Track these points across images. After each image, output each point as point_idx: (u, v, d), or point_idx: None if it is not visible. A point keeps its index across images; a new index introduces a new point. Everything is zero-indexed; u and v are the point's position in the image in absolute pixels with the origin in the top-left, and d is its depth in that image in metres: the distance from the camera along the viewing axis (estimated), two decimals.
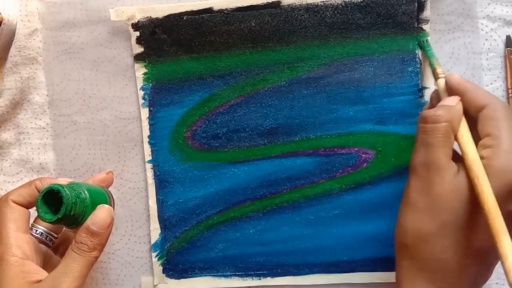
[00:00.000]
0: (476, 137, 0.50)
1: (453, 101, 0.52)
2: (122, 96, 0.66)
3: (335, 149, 0.63)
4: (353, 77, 0.63)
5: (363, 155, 0.63)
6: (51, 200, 0.52)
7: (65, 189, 0.51)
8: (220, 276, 0.64)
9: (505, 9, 0.63)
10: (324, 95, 0.63)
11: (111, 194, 0.60)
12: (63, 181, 0.56)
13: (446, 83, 0.54)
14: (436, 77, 0.57)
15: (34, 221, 0.57)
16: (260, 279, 0.64)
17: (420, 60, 0.62)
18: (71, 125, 0.66)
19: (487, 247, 0.48)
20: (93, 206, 0.54)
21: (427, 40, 0.61)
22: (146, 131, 0.65)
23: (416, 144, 0.52)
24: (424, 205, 0.50)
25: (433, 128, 0.50)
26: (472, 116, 0.51)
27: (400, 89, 0.62)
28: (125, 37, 0.66)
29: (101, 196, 0.58)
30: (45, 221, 0.52)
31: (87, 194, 0.54)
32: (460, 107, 0.51)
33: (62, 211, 0.50)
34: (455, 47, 0.63)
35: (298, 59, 0.63)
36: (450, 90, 0.54)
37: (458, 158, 0.51)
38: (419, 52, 0.62)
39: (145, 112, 0.65)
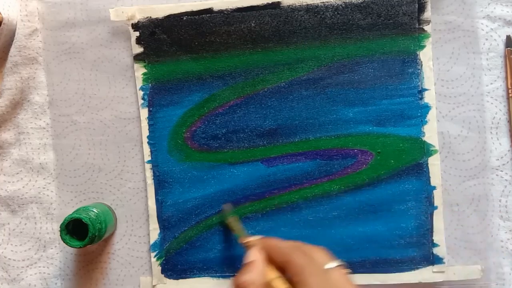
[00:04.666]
0: None
1: (252, 256, 0.52)
2: (122, 96, 0.66)
3: (335, 151, 0.63)
4: (353, 78, 0.63)
5: (363, 157, 0.63)
6: (69, 226, 0.60)
7: (84, 215, 0.59)
8: (218, 276, 0.64)
9: (505, 9, 0.63)
10: (323, 96, 0.63)
11: (110, 206, 0.66)
12: None
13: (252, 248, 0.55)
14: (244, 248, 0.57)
15: None
16: None
17: (421, 62, 0.62)
18: (71, 125, 0.66)
19: None
20: (105, 223, 0.61)
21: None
22: (145, 131, 0.65)
23: None
24: None
25: None
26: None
27: (400, 91, 0.62)
28: (125, 37, 0.66)
29: (106, 211, 0.63)
30: (72, 247, 0.60)
31: (98, 213, 0.61)
32: (259, 262, 0.52)
33: (88, 236, 0.59)
34: (455, 47, 0.63)
35: (298, 60, 0.63)
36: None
37: None
38: (420, 54, 0.62)
39: (144, 112, 0.65)
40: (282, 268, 0.51)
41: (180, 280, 0.65)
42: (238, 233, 0.60)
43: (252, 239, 0.56)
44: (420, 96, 0.62)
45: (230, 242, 0.64)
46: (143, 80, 0.65)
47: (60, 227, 0.59)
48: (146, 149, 0.65)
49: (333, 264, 0.49)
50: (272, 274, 0.51)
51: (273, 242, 0.53)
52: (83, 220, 0.58)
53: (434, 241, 0.62)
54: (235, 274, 0.63)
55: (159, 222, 0.65)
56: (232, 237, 0.64)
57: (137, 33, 0.65)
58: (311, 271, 0.48)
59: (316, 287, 0.47)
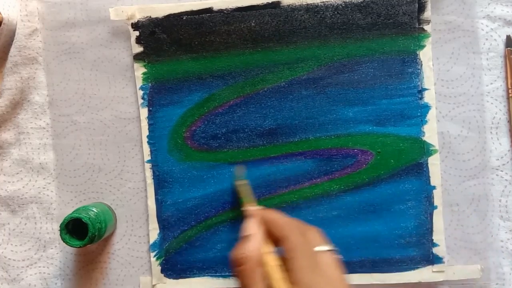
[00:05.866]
0: None
1: (250, 229, 0.52)
2: (122, 96, 0.66)
3: (334, 150, 0.63)
4: (353, 78, 0.63)
5: (362, 156, 0.63)
6: (69, 226, 0.60)
7: (83, 215, 0.59)
8: (218, 276, 0.64)
9: (505, 9, 0.63)
10: (323, 96, 0.63)
11: (110, 206, 0.66)
12: None
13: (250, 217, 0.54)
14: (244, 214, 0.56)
15: None
16: None
17: (421, 61, 0.62)
18: (71, 125, 0.66)
19: None
20: (105, 223, 0.61)
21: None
22: (145, 131, 0.65)
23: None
24: None
25: (241, 271, 0.49)
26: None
27: (400, 91, 0.62)
28: (125, 37, 0.66)
29: (106, 211, 0.63)
30: (72, 247, 0.60)
31: (98, 212, 0.61)
32: (257, 235, 0.51)
33: (88, 236, 0.59)
34: (455, 47, 0.63)
35: (298, 60, 0.63)
36: None
37: None
38: (420, 53, 0.62)
39: (144, 112, 0.65)
40: (277, 241, 0.51)
41: (180, 280, 0.65)
42: (244, 198, 0.59)
43: (252, 208, 0.55)
44: (420, 96, 0.62)
45: (231, 240, 0.64)
46: (143, 80, 0.65)
47: (60, 226, 0.59)
48: (146, 149, 0.65)
49: (324, 247, 0.49)
50: (266, 248, 0.50)
51: (272, 216, 0.53)
52: (83, 220, 0.58)
53: (434, 241, 0.62)
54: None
55: (159, 222, 0.65)
56: (235, 235, 0.64)
57: (137, 33, 0.65)
58: (303, 251, 0.48)
59: (305, 268, 0.47)
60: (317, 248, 0.49)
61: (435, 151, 0.62)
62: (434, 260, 0.62)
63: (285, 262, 0.49)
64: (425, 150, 0.62)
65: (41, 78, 0.66)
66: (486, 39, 0.63)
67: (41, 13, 0.66)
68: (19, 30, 0.65)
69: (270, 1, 0.63)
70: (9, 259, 0.66)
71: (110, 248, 0.66)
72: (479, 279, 0.62)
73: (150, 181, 0.65)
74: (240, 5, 0.63)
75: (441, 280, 0.62)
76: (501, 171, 0.63)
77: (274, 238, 0.51)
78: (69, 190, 0.66)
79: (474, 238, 0.63)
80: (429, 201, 0.62)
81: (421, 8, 0.62)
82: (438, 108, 0.63)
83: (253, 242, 0.51)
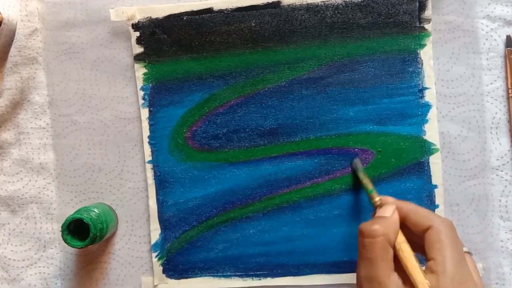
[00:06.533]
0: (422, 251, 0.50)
1: (389, 212, 0.52)
2: (122, 96, 0.66)
3: (335, 150, 0.63)
4: (354, 77, 0.63)
5: (363, 156, 0.63)
6: (70, 227, 0.60)
7: (85, 216, 0.59)
8: (220, 276, 0.64)
9: (505, 9, 0.63)
10: (324, 96, 0.63)
11: (111, 206, 0.65)
12: None
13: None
14: (374, 206, 0.56)
15: None
16: (260, 279, 0.64)
17: (421, 60, 0.62)
18: (71, 125, 0.66)
19: None
20: (106, 224, 0.61)
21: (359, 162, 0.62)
22: (146, 131, 0.65)
23: (358, 258, 0.51)
24: None
25: (370, 243, 0.49)
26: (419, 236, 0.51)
27: (401, 90, 0.62)
28: (125, 37, 0.66)
29: (107, 211, 0.63)
30: (73, 247, 0.59)
31: (99, 213, 0.61)
32: (395, 218, 0.51)
33: (90, 237, 0.59)
34: (455, 47, 0.63)
35: (298, 59, 0.63)
36: None
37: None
38: (420, 52, 0.62)
39: (145, 112, 0.65)
40: (417, 231, 0.50)
41: (182, 280, 0.65)
42: (371, 188, 0.58)
43: (387, 197, 0.55)
44: (420, 95, 0.62)
45: (233, 240, 0.64)
46: (144, 80, 0.65)
47: (61, 227, 0.59)
48: (147, 149, 0.65)
49: (466, 248, 0.49)
50: (402, 238, 0.50)
51: (413, 206, 0.52)
52: (84, 221, 0.58)
53: None
54: (236, 274, 0.64)
55: (160, 222, 0.65)
56: (236, 236, 0.64)
57: (137, 33, 0.65)
58: (453, 244, 0.48)
59: (454, 260, 0.47)
60: (464, 249, 0.49)
61: (436, 150, 0.62)
62: None
63: (429, 252, 0.48)
64: (426, 149, 0.62)
65: (41, 78, 0.66)
66: (486, 39, 0.63)
67: (41, 13, 0.66)
68: (19, 30, 0.65)
69: (270, 1, 0.63)
70: (9, 259, 0.66)
71: (111, 248, 0.66)
72: None
73: (151, 181, 0.65)
74: (240, 5, 0.63)
75: None
76: (501, 171, 0.63)
77: (414, 229, 0.51)
78: (69, 190, 0.66)
79: (474, 238, 0.63)
80: (431, 200, 0.62)
81: (422, 7, 0.62)
82: (438, 108, 0.63)
83: (390, 223, 0.50)
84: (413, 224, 0.51)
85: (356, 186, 0.63)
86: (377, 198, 0.55)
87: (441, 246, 0.48)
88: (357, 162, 0.62)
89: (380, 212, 0.52)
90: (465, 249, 0.50)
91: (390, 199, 0.54)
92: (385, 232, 0.49)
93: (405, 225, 0.52)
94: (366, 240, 0.49)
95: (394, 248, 0.50)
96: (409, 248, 0.50)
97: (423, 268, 0.48)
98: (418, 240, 0.51)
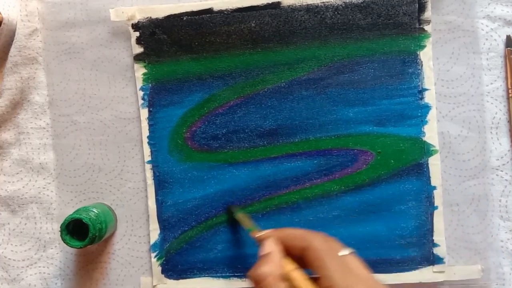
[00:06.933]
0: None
1: (268, 247, 0.51)
2: (122, 96, 0.66)
3: (335, 151, 0.63)
4: (353, 78, 0.63)
5: (363, 157, 0.63)
6: (70, 227, 0.60)
7: (84, 216, 0.59)
8: (219, 277, 0.64)
9: (505, 9, 0.63)
10: (324, 96, 0.63)
11: (110, 206, 0.66)
12: None
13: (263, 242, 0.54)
14: (257, 242, 0.55)
15: None
16: None
17: (421, 62, 0.62)
18: (71, 125, 0.66)
19: None
20: (106, 224, 0.61)
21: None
22: (145, 132, 0.65)
23: None
24: None
25: (263, 287, 0.48)
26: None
27: (400, 91, 0.62)
28: (125, 37, 0.66)
29: (106, 211, 0.63)
30: (73, 247, 0.59)
31: (98, 213, 0.61)
32: (276, 251, 0.51)
33: (89, 237, 0.59)
34: (455, 47, 0.63)
35: (298, 60, 0.63)
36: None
37: None
38: (420, 54, 0.62)
39: (144, 113, 0.65)
40: (298, 259, 0.50)
41: (181, 280, 0.65)
42: (249, 227, 0.58)
43: (265, 231, 0.55)
44: (420, 96, 0.62)
45: (232, 241, 0.64)
46: (143, 80, 0.65)
47: (60, 227, 0.59)
48: (146, 149, 0.65)
49: (346, 251, 0.49)
50: (290, 266, 0.50)
51: (288, 231, 0.53)
52: (83, 220, 0.58)
53: (435, 241, 0.62)
54: (235, 274, 0.64)
55: (159, 222, 0.65)
56: (235, 237, 0.64)
57: (137, 33, 0.65)
58: (331, 256, 0.48)
59: (337, 271, 0.47)
60: (340, 253, 0.49)
61: (436, 151, 0.62)
62: (435, 260, 0.62)
63: (313, 272, 0.48)
64: (426, 150, 0.62)
65: (41, 78, 0.66)
66: (486, 39, 0.63)
67: (41, 13, 0.66)
68: (19, 30, 0.65)
69: (270, 2, 0.63)
70: (9, 259, 0.66)
71: (110, 248, 0.66)
72: (480, 279, 0.62)
73: (150, 181, 0.65)
74: (240, 5, 0.63)
75: (442, 280, 0.62)
76: (501, 171, 0.63)
77: (294, 255, 0.51)
78: (69, 190, 0.66)
79: (474, 238, 0.63)
80: (430, 202, 0.62)
81: (421, 8, 0.62)
82: (438, 108, 0.63)
83: (273, 258, 0.50)
84: (292, 249, 0.51)
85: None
86: (256, 235, 0.55)
87: (321, 263, 0.48)
88: (233, 207, 0.63)
89: (261, 251, 0.52)
90: (345, 251, 0.50)
91: (268, 232, 0.54)
92: (271, 270, 0.49)
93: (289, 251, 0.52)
94: (258, 286, 0.49)
95: (287, 279, 0.49)
96: (300, 273, 0.49)
97: None
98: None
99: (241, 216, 0.61)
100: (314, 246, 0.49)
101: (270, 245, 0.52)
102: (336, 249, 0.49)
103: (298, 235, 0.52)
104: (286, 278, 0.49)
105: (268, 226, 0.63)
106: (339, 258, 0.48)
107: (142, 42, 0.65)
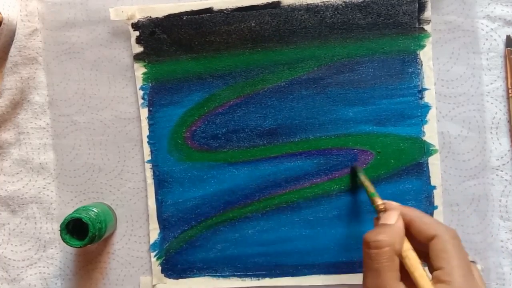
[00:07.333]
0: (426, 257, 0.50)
1: (393, 219, 0.51)
2: (122, 96, 0.66)
3: (335, 150, 0.63)
4: (353, 78, 0.63)
5: (363, 156, 0.63)
6: (69, 226, 0.60)
7: (84, 215, 0.59)
8: (219, 276, 0.64)
9: (505, 9, 0.63)
10: (323, 96, 0.63)
11: (110, 206, 0.66)
12: None
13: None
14: (377, 210, 0.54)
15: None
16: (259, 279, 0.64)
17: (421, 61, 0.62)
18: (71, 125, 0.66)
19: None
20: (105, 223, 0.61)
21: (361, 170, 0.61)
22: (145, 131, 0.65)
23: (364, 269, 0.50)
24: None
25: (376, 254, 0.48)
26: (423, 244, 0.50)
27: (400, 90, 0.62)
28: (125, 37, 0.66)
29: (106, 211, 0.63)
30: (72, 247, 0.59)
31: (98, 212, 0.61)
32: (401, 225, 0.50)
33: (88, 236, 0.59)
34: (455, 47, 0.63)
35: (298, 60, 0.63)
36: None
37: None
38: (420, 53, 0.62)
39: (144, 112, 0.65)
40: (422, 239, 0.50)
41: (180, 280, 0.65)
42: (372, 192, 0.56)
43: (390, 202, 0.54)
44: (420, 96, 0.62)
45: (231, 241, 0.64)
46: (143, 80, 0.65)
47: (60, 226, 0.59)
48: (146, 149, 0.65)
49: (470, 257, 0.49)
50: (408, 245, 0.49)
51: (417, 213, 0.51)
52: (83, 220, 0.58)
53: None
54: (235, 274, 0.64)
55: (159, 222, 0.65)
56: (233, 237, 0.64)
57: (137, 33, 0.65)
58: (460, 255, 0.47)
59: (461, 270, 0.46)
60: (470, 258, 0.48)
61: (435, 151, 0.62)
62: None
63: (434, 262, 0.48)
64: (425, 150, 0.62)
65: (41, 78, 0.66)
66: (486, 39, 0.63)
67: (41, 13, 0.66)
68: (19, 30, 0.65)
69: (270, 1, 0.63)
70: (9, 259, 0.66)
71: (110, 248, 0.66)
72: None
73: (150, 181, 0.65)
74: (240, 5, 0.63)
75: None
76: (501, 171, 0.63)
77: (416, 236, 0.50)
78: (69, 190, 0.66)
79: (474, 238, 0.63)
80: (429, 201, 0.62)
81: (421, 8, 0.62)
82: (438, 108, 0.63)
83: (397, 231, 0.49)
84: (417, 232, 0.50)
85: (354, 188, 0.63)
86: (380, 202, 0.54)
87: (448, 256, 0.47)
88: (357, 165, 0.62)
89: (384, 219, 0.51)
90: (470, 258, 0.49)
91: (394, 204, 0.53)
92: (391, 241, 0.48)
93: (408, 231, 0.51)
94: (372, 251, 0.48)
95: (400, 256, 0.49)
96: (416, 255, 0.49)
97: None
98: (421, 247, 0.50)
99: (364, 179, 0.59)
100: (446, 238, 0.48)
101: (396, 218, 0.51)
102: (464, 251, 0.48)
103: (429, 222, 0.50)
104: (400, 255, 0.48)
105: (268, 225, 0.64)
106: (467, 260, 0.48)
107: (142, 42, 0.65)
